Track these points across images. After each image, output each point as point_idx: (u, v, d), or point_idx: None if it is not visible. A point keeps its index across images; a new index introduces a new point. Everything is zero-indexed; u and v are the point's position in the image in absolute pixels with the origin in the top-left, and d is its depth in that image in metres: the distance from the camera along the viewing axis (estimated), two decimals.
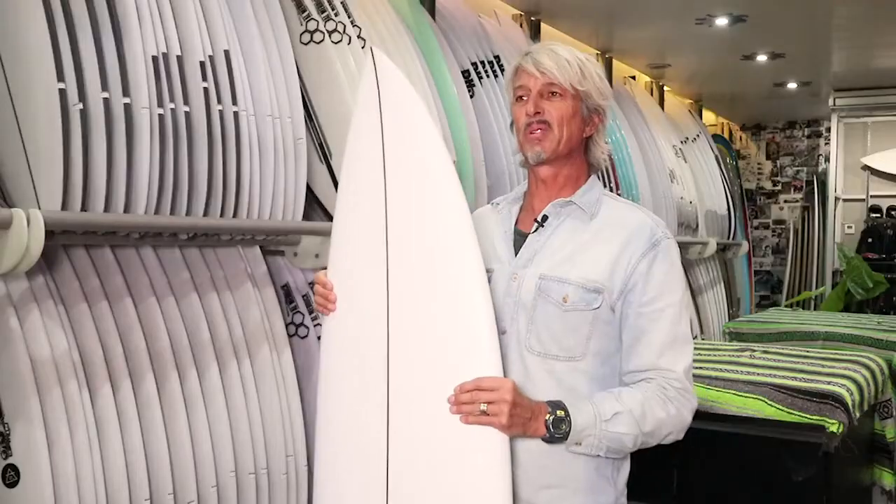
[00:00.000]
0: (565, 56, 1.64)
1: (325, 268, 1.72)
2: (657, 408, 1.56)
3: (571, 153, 1.68)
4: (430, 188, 1.58)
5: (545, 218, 1.68)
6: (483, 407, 1.47)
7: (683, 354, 1.61)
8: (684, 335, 1.62)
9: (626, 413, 1.54)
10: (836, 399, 2.58)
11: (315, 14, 2.77)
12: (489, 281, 1.66)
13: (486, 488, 1.51)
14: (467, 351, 1.53)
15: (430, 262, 1.55)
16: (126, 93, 2.06)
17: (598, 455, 1.56)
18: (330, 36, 2.76)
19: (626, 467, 1.68)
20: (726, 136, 8.98)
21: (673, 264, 1.64)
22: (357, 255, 1.64)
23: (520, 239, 1.70)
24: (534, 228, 1.69)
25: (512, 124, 1.73)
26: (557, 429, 1.51)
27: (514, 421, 1.48)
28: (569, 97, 1.64)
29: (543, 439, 1.53)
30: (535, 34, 4.85)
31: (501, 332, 1.63)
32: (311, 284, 2.37)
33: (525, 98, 1.66)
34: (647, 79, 6.74)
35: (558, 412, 1.52)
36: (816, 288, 8.37)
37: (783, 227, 9.47)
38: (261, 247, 2.67)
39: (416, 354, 1.56)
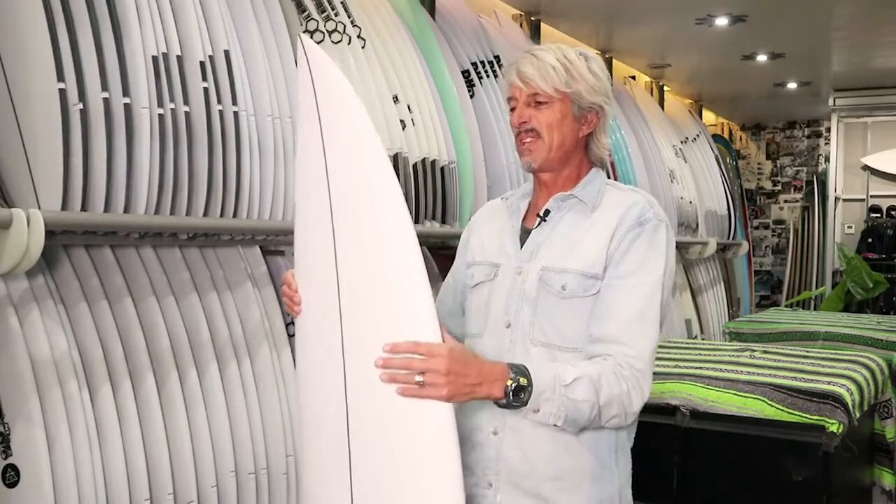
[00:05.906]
0: (549, 61, 1.62)
1: None
2: (612, 382, 1.51)
3: (567, 156, 1.69)
4: (367, 180, 1.55)
5: (547, 212, 1.70)
6: (419, 378, 1.41)
7: (647, 336, 1.57)
8: (653, 316, 1.59)
9: (586, 379, 1.49)
10: (836, 399, 2.58)
11: (315, 14, 2.78)
12: (496, 275, 1.69)
13: (437, 470, 1.48)
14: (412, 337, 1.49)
15: (372, 254, 1.53)
16: (126, 93, 2.06)
17: (556, 425, 1.51)
18: (330, 36, 2.76)
19: (627, 457, 1.70)
20: (726, 136, 8.99)
21: (656, 244, 1.61)
22: (312, 254, 1.64)
23: (525, 235, 1.72)
24: (536, 223, 1.71)
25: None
26: (517, 397, 1.46)
27: (456, 390, 1.41)
28: (555, 102, 1.64)
29: (498, 404, 1.48)
30: (535, 34, 4.85)
31: (506, 326, 1.65)
32: None
33: (515, 108, 1.68)
34: (647, 79, 6.74)
35: (521, 380, 1.45)
36: (816, 288, 8.38)
37: (783, 227, 9.48)
38: (261, 247, 2.67)
39: (367, 348, 1.53)
